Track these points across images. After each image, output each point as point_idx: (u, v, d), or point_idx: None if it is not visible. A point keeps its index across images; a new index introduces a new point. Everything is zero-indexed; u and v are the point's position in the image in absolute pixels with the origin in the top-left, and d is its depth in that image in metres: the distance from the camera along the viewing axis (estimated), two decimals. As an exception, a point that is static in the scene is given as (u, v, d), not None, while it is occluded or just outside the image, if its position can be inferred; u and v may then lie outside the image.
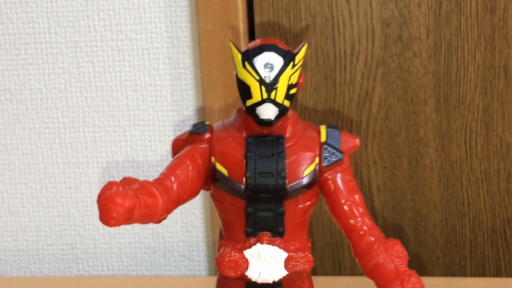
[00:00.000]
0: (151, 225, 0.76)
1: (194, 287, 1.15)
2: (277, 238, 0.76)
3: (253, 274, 0.75)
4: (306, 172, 0.76)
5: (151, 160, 1.19)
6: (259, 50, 0.75)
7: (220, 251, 0.77)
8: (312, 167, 0.76)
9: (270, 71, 0.74)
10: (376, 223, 0.78)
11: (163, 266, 1.22)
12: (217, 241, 0.81)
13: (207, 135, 0.78)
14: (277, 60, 0.74)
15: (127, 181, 0.74)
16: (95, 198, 0.86)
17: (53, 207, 1.22)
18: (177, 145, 0.80)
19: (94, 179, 1.20)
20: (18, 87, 1.19)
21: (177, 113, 1.17)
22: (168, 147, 1.18)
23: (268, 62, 0.74)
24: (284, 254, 0.75)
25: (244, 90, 0.75)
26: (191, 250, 1.21)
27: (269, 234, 0.76)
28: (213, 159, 0.77)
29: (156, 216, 0.74)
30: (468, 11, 1.08)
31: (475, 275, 1.15)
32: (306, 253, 0.76)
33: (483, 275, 1.15)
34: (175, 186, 0.76)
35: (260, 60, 0.74)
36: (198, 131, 0.79)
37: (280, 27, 1.11)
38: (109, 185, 0.71)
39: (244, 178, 0.75)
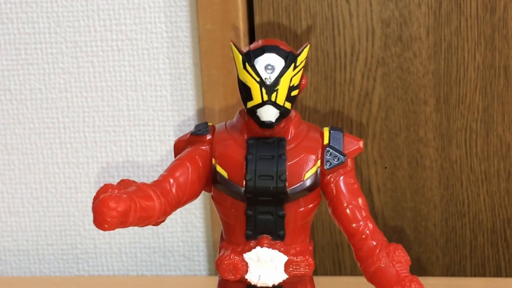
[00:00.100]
0: (150, 226, 0.75)
1: (194, 287, 1.15)
2: (277, 242, 0.76)
3: (252, 277, 0.75)
4: (307, 175, 0.75)
5: (151, 160, 1.19)
6: (261, 51, 0.74)
7: (220, 254, 0.77)
8: (313, 170, 0.76)
9: (271, 72, 0.74)
10: (376, 223, 0.78)
11: (163, 266, 1.22)
12: (217, 241, 0.80)
13: (208, 137, 0.78)
14: (278, 62, 0.74)
15: (124, 183, 0.73)
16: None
17: (53, 207, 1.22)
18: (179, 146, 0.80)
19: (94, 179, 1.20)
20: (18, 87, 1.19)
21: (177, 113, 1.17)
22: (168, 147, 1.18)
23: (269, 64, 0.74)
24: (284, 258, 0.75)
25: (245, 92, 0.74)
26: (191, 250, 1.21)
27: (270, 237, 0.76)
28: (213, 161, 0.77)
29: (153, 219, 0.73)
30: (468, 11, 1.08)
31: (475, 275, 1.15)
32: (307, 256, 0.76)
33: (483, 275, 1.15)
34: (174, 189, 0.75)
35: (261, 62, 0.74)
36: (199, 132, 0.78)
37: (280, 27, 1.11)
38: (105, 188, 0.70)
39: (244, 181, 0.75)
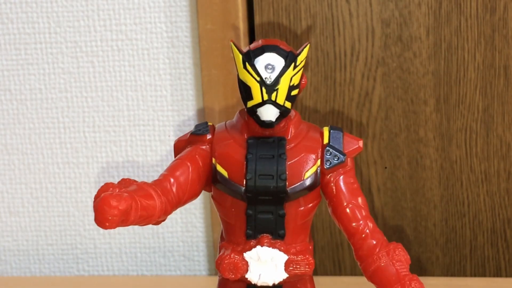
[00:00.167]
0: (150, 225, 0.76)
1: (194, 287, 1.15)
2: (277, 241, 0.76)
3: (253, 276, 0.75)
4: (307, 175, 0.75)
5: (151, 160, 1.19)
6: (261, 51, 0.74)
7: (220, 253, 0.77)
8: (313, 169, 0.76)
9: (271, 72, 0.74)
10: (376, 223, 0.78)
11: (163, 266, 1.22)
12: (217, 241, 0.80)
13: (209, 136, 0.78)
14: (278, 61, 0.74)
15: (125, 183, 0.73)
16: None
17: (53, 207, 1.22)
18: (179, 146, 0.80)
19: (94, 179, 1.20)
20: (18, 87, 1.19)
21: (177, 113, 1.17)
22: (168, 147, 1.18)
23: (269, 63, 0.74)
24: (284, 257, 0.75)
25: (245, 91, 0.74)
26: (191, 250, 1.21)
27: (270, 237, 0.76)
28: (213, 160, 0.77)
29: (153, 218, 0.74)
30: (468, 11, 1.08)
31: (475, 275, 1.15)
32: (307, 256, 0.76)
33: (483, 275, 1.15)
34: (174, 188, 0.75)
35: (261, 61, 0.74)
36: (199, 132, 0.78)
37: (280, 27, 1.11)
38: (106, 187, 0.71)
39: (244, 180, 0.75)
